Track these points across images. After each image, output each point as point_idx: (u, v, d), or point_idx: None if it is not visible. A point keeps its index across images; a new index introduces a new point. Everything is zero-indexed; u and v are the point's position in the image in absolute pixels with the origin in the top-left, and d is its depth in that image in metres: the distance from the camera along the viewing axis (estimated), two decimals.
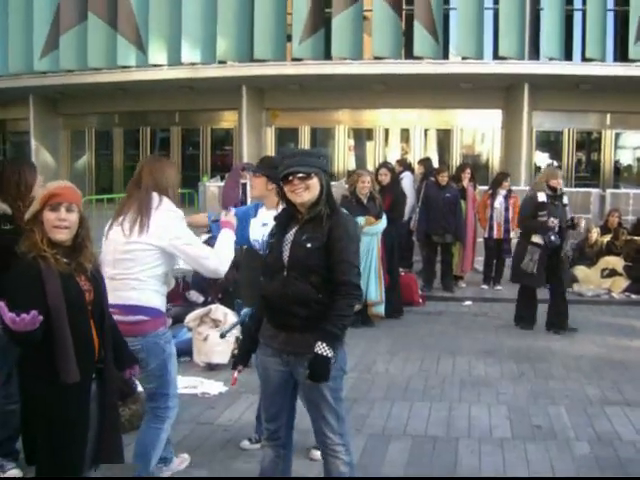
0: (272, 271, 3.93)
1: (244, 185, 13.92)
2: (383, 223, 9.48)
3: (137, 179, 4.60)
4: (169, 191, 4.57)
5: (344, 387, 4.04)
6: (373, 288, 9.52)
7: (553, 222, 9.21)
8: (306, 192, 3.84)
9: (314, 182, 3.85)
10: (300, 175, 3.83)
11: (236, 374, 4.21)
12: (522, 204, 10.00)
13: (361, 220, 9.03)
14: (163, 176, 4.58)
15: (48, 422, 3.59)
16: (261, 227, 5.05)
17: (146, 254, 4.37)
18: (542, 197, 9.34)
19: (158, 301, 4.47)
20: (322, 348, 3.69)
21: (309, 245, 3.80)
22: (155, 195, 4.48)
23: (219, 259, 4.47)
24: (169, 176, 4.62)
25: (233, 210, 4.89)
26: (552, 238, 9.27)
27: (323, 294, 3.77)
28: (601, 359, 8.33)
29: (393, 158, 19.83)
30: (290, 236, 3.90)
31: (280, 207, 4.65)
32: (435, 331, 9.60)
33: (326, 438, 3.96)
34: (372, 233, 9.39)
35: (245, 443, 5.55)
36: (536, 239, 9.39)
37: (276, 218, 4.07)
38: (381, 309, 9.74)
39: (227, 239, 4.61)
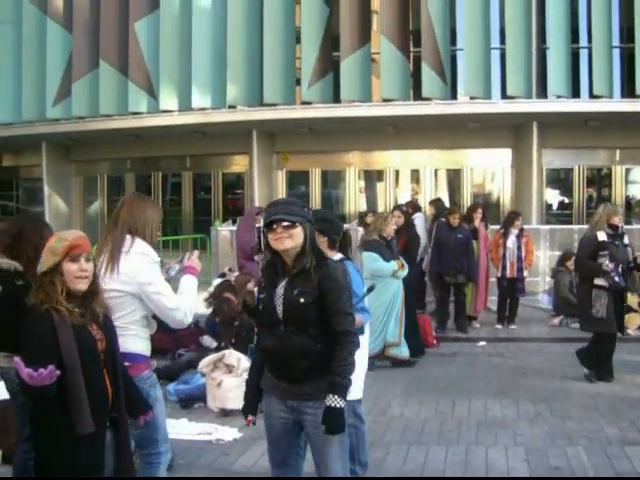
0: (268, 326, 3.96)
1: (258, 229, 13.89)
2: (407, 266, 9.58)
3: (116, 216, 4.50)
4: (146, 232, 4.43)
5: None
6: (392, 329, 9.50)
7: (608, 266, 8.64)
8: (289, 240, 3.87)
9: (298, 231, 3.88)
10: (284, 224, 3.86)
11: (248, 422, 4.18)
12: (580, 245, 9.41)
13: (394, 265, 9.21)
14: (142, 215, 4.46)
15: (63, 474, 3.56)
16: None
17: (120, 300, 4.28)
18: (602, 236, 8.84)
19: (140, 345, 4.39)
20: (333, 400, 3.75)
21: (302, 300, 3.83)
22: (128, 237, 4.37)
23: (184, 311, 4.37)
24: (149, 216, 4.49)
25: (196, 252, 4.74)
26: (616, 279, 8.69)
27: (321, 344, 3.84)
28: (618, 398, 8.25)
29: (404, 199, 19.90)
30: (280, 290, 3.92)
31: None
32: (450, 373, 9.55)
33: None
34: (401, 277, 9.46)
35: None
36: (600, 282, 8.77)
37: (263, 271, 4.09)
38: (399, 351, 9.68)
39: (190, 286, 4.52)
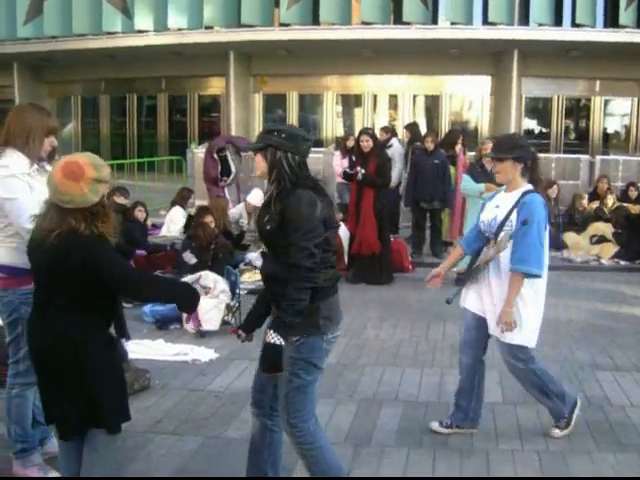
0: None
1: (223, 158, 13.87)
2: None
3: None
4: (22, 142, 4.23)
5: (317, 378, 3.88)
6: None
7: None
8: (258, 167, 3.85)
9: (258, 159, 3.80)
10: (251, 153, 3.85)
11: (234, 331, 4.12)
12: None
13: (481, 186, 9.31)
14: (20, 124, 4.28)
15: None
16: (494, 209, 5.00)
17: None
18: None
19: (7, 258, 4.24)
20: (271, 336, 3.63)
21: (268, 227, 3.75)
22: (1, 148, 4.24)
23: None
24: (27, 124, 4.28)
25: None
26: None
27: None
28: (591, 324, 8.36)
29: (381, 124, 19.74)
30: None
31: (522, 189, 4.89)
32: (425, 297, 9.55)
33: (278, 413, 3.96)
34: None
35: (434, 425, 5.38)
36: None
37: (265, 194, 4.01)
38: None
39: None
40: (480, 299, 5.14)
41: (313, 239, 3.62)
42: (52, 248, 3.53)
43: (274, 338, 3.62)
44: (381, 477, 4.32)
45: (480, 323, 5.16)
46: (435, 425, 5.31)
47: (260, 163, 3.80)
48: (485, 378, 5.38)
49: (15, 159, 4.21)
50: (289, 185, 3.72)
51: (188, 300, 3.90)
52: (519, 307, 4.86)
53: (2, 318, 4.40)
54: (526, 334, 4.96)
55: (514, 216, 4.83)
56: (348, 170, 10.57)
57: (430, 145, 11.80)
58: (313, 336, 3.75)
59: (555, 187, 13.21)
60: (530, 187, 4.95)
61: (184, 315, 7.67)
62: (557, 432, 5.22)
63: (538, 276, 4.79)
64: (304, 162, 3.82)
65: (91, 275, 3.52)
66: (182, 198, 13.34)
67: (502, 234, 4.88)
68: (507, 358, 5.12)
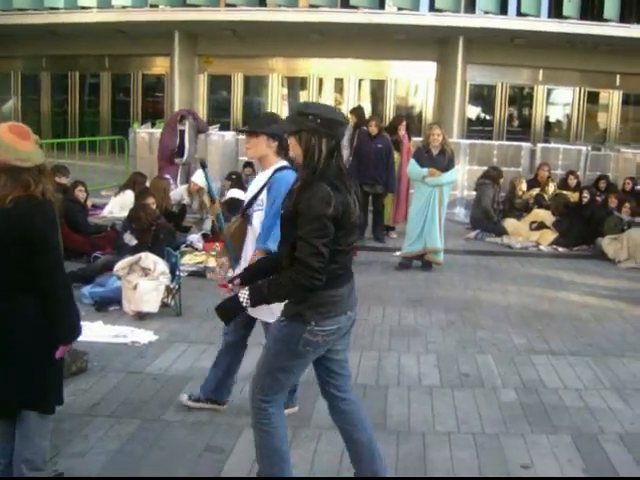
0: None
1: (182, 132, 13.80)
2: (447, 176, 10.01)
3: None
4: None
5: (296, 368, 3.90)
6: (437, 235, 10.02)
7: None
8: (291, 152, 3.83)
9: (292, 142, 3.75)
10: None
11: (230, 285, 3.97)
12: None
13: (425, 171, 9.84)
14: None
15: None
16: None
17: None
18: None
19: None
20: (243, 294, 3.69)
21: (283, 212, 3.78)
22: None
23: None
24: None
25: None
26: None
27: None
28: (528, 309, 8.48)
29: None
30: None
31: (274, 167, 4.79)
32: (366, 281, 9.60)
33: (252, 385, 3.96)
34: (433, 184, 9.91)
35: (184, 397, 5.35)
36: None
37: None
38: (438, 256, 10.25)
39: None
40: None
41: (321, 237, 3.57)
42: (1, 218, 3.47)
43: (244, 297, 3.68)
44: (380, 477, 4.28)
45: None
46: (184, 398, 5.31)
47: (295, 147, 3.74)
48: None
49: None
50: (314, 173, 3.66)
51: (71, 329, 3.78)
52: None
53: None
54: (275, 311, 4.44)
55: (264, 195, 4.79)
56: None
57: (374, 129, 11.83)
58: (295, 322, 3.75)
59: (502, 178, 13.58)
60: (284, 163, 4.86)
61: (124, 297, 7.59)
62: (184, 398, 5.27)
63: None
64: (338, 146, 3.76)
65: (29, 247, 3.47)
66: (135, 183, 12.89)
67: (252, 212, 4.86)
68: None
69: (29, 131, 3.62)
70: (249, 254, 4.84)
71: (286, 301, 3.80)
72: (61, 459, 4.48)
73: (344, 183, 3.72)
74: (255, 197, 4.87)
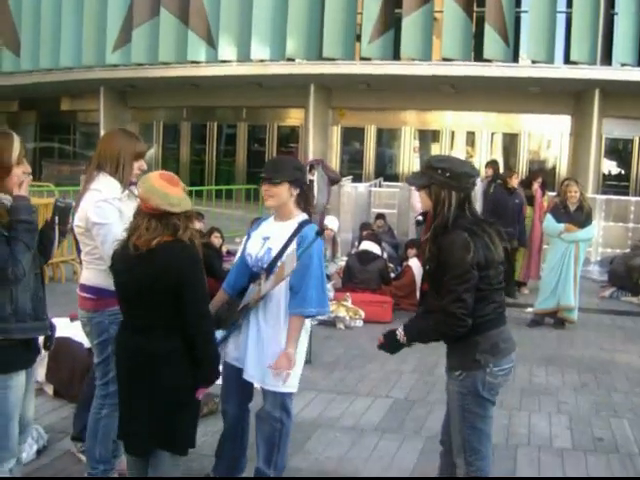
0: None
1: (311, 182, 14.08)
2: (585, 232, 9.95)
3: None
4: (114, 167, 4.28)
5: (491, 415, 4.00)
6: (570, 292, 9.90)
7: None
8: (422, 206, 3.95)
9: (423, 196, 3.87)
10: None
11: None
12: None
13: (561, 226, 9.82)
14: (109, 149, 4.33)
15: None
16: (261, 240, 4.48)
17: (81, 236, 4.31)
18: None
19: (95, 280, 4.30)
20: (400, 333, 3.97)
21: (427, 266, 3.89)
22: (95, 173, 4.30)
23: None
24: (117, 150, 4.32)
25: None
26: None
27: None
28: None
29: None
30: None
31: (296, 219, 4.40)
32: None
33: None
34: (570, 240, 9.85)
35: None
36: None
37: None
38: (572, 314, 10.04)
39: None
40: (238, 346, 4.50)
41: (462, 284, 3.64)
42: (147, 263, 3.61)
43: (400, 335, 3.96)
44: (386, 477, 4.23)
45: (239, 374, 4.51)
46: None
47: (425, 201, 3.84)
48: None
49: (107, 184, 4.27)
50: (446, 225, 3.74)
51: (213, 372, 3.84)
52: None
53: (92, 339, 4.43)
54: (293, 380, 4.39)
55: (292, 248, 4.26)
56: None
57: (514, 182, 11.78)
58: (474, 370, 3.81)
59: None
60: (306, 217, 4.46)
61: None
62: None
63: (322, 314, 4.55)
64: (468, 198, 3.84)
65: (177, 289, 3.60)
66: None
67: (279, 263, 4.28)
68: (268, 408, 4.48)
69: (178, 179, 3.77)
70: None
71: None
72: None
73: (480, 226, 3.79)
74: (283, 251, 4.33)
